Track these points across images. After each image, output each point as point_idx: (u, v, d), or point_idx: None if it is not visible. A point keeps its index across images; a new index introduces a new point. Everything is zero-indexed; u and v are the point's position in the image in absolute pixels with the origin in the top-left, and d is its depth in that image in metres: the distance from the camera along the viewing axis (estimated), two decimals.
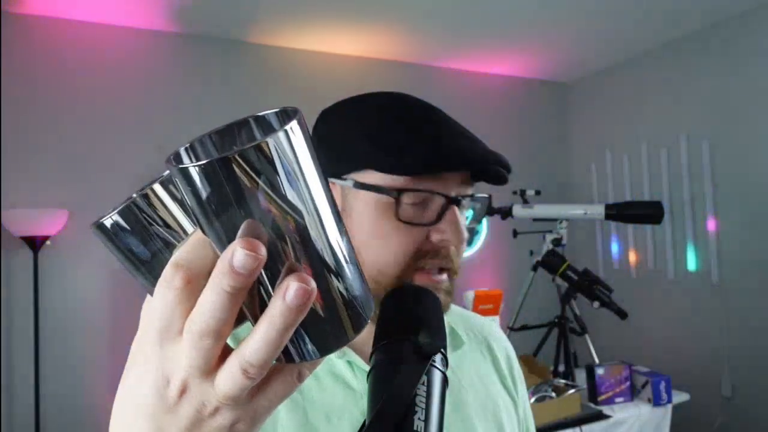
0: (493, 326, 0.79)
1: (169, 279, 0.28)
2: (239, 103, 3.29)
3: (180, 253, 0.29)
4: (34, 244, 2.64)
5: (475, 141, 0.62)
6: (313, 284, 0.27)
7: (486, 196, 0.66)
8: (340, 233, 0.28)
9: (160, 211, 0.34)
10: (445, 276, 0.62)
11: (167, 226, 0.35)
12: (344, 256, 0.29)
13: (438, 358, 0.47)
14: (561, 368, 2.54)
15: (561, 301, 2.61)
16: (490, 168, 0.61)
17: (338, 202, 0.62)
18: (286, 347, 0.29)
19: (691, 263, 3.38)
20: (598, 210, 2.53)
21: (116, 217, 0.35)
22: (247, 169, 0.24)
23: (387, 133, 0.61)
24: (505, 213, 2.70)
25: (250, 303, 0.28)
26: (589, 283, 2.43)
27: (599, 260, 4.04)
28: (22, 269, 2.70)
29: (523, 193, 2.80)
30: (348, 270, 0.29)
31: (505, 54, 3.72)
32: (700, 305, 3.33)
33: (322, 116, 0.67)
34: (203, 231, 0.28)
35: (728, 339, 3.17)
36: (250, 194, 0.25)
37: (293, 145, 0.25)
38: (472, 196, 0.64)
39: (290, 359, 0.30)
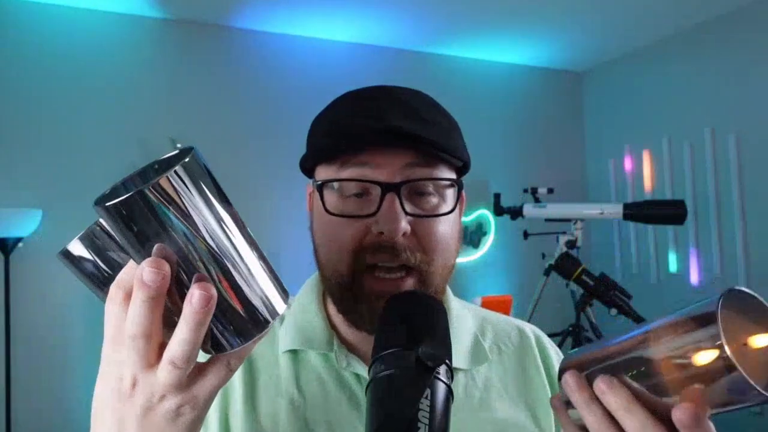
0: (526, 329, 0.77)
1: (113, 296, 0.39)
2: (226, 93, 3.29)
3: (121, 274, 0.39)
4: (6, 246, 2.64)
5: (379, 116, 0.61)
6: (213, 291, 0.36)
7: (447, 178, 0.63)
8: (238, 245, 0.38)
9: (113, 237, 0.45)
10: (410, 282, 0.61)
11: (121, 249, 0.45)
12: (242, 264, 0.38)
13: (442, 369, 0.47)
14: None
15: (576, 308, 2.61)
16: (381, 140, 0.60)
17: (311, 203, 0.68)
18: (213, 340, 0.39)
19: (717, 267, 3.38)
20: (615, 209, 2.53)
21: (78, 244, 0.46)
22: (135, 211, 0.33)
23: (316, 130, 0.67)
24: (515, 213, 2.70)
25: (178, 310, 0.37)
26: (606, 289, 2.43)
27: (617, 264, 4.04)
28: None
29: (534, 191, 2.80)
30: (249, 275, 0.38)
31: (512, 40, 3.72)
32: None
33: None
34: (132, 256, 0.37)
35: None
36: (149, 227, 0.34)
37: (172, 189, 0.34)
38: (422, 179, 0.61)
39: (219, 350, 0.40)
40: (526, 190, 2.82)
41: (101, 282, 0.49)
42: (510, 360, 0.72)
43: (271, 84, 3.37)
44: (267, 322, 0.39)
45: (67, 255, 0.49)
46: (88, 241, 0.48)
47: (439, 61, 3.84)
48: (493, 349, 0.72)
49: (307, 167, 0.68)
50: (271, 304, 0.40)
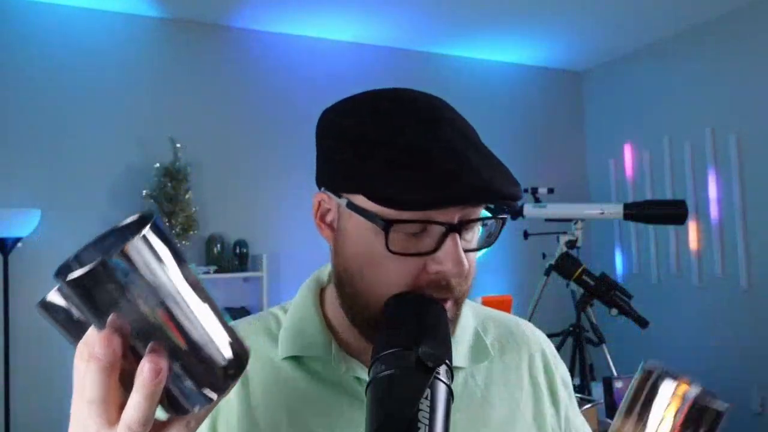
0: (526, 329, 0.77)
1: (80, 353, 0.41)
2: (226, 93, 3.29)
3: (87, 334, 0.41)
4: (5, 246, 2.64)
5: (466, 164, 0.58)
6: (163, 363, 0.37)
7: (499, 216, 0.65)
8: (195, 310, 0.38)
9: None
10: (449, 304, 0.61)
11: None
12: (199, 329, 0.38)
13: (442, 370, 0.47)
14: (576, 381, 2.54)
15: (576, 308, 2.60)
16: (483, 200, 0.59)
17: (334, 218, 0.63)
18: (173, 403, 0.40)
19: (718, 267, 3.38)
20: (616, 209, 2.52)
21: (57, 296, 0.47)
22: (95, 282, 0.35)
23: (374, 157, 0.58)
24: (516, 213, 2.69)
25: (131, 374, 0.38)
26: (606, 289, 2.43)
27: (617, 264, 4.04)
28: None
29: (535, 191, 2.80)
30: (207, 339, 0.39)
31: (512, 40, 3.72)
32: (728, 313, 3.32)
33: (321, 117, 0.66)
34: (91, 322, 0.38)
35: (758, 349, 3.16)
36: (108, 297, 0.35)
37: (130, 260, 0.35)
38: (479, 219, 0.62)
39: (180, 412, 0.41)
40: (526, 190, 2.81)
41: (81, 334, 0.49)
42: (511, 356, 0.73)
43: (270, 84, 3.37)
44: (226, 385, 0.40)
45: (45, 306, 0.48)
46: (67, 291, 0.48)
47: (440, 61, 3.84)
48: (494, 345, 0.72)
49: (338, 185, 0.62)
50: (231, 365, 0.40)
